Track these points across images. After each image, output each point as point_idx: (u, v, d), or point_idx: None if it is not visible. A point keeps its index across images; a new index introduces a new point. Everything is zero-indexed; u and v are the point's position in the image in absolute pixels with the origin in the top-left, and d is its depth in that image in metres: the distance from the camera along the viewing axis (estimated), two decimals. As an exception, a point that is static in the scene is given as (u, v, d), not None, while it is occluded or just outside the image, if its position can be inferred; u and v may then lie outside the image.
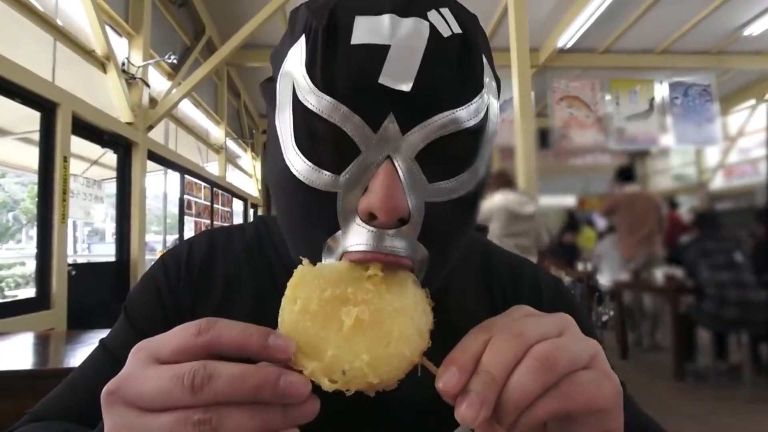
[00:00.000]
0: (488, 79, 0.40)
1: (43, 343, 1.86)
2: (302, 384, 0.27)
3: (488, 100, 0.39)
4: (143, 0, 3.80)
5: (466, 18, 0.39)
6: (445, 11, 0.37)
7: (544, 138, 5.88)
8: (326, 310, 0.31)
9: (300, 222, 0.40)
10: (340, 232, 0.37)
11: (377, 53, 0.35)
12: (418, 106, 0.35)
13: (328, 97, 0.35)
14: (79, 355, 1.71)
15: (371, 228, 0.36)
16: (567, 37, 5.74)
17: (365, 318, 0.31)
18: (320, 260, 0.39)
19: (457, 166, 0.38)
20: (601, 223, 8.53)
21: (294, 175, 0.38)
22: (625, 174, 4.85)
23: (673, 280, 4.01)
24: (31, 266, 3.03)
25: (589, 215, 8.42)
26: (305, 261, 0.35)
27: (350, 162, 0.36)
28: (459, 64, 0.37)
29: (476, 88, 0.38)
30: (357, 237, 0.36)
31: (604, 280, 5.01)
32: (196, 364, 0.27)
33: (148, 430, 0.27)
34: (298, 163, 0.38)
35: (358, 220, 0.36)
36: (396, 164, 0.35)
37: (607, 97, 5.71)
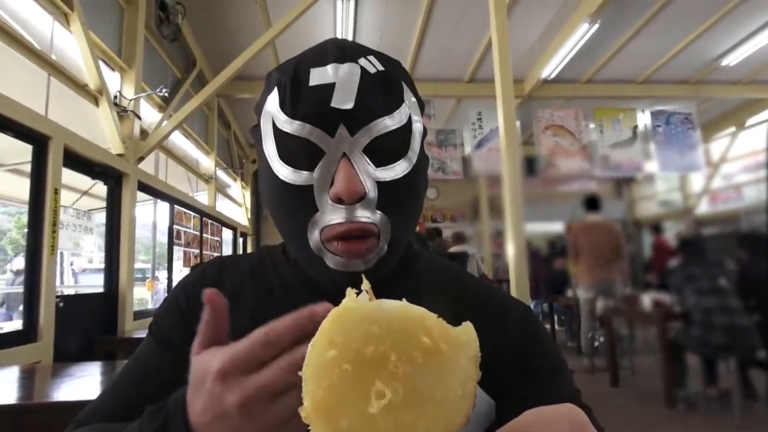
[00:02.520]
0: (409, 100, 0.55)
1: (28, 377, 1.84)
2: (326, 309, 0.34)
3: (409, 111, 0.54)
4: (136, 35, 3.89)
5: (387, 61, 0.55)
6: (371, 57, 0.53)
7: (530, 166, 5.98)
8: (360, 371, 0.28)
9: (289, 212, 0.53)
10: (318, 213, 0.50)
11: (327, 88, 0.50)
12: (359, 117, 0.50)
13: (297, 121, 0.50)
14: (64, 388, 1.70)
15: (341, 206, 0.49)
16: (550, 68, 5.93)
17: (396, 401, 0.27)
18: (306, 237, 0.51)
19: (394, 156, 0.53)
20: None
21: (281, 180, 0.52)
22: (591, 203, 5.05)
23: (661, 305, 4.05)
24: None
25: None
26: (352, 291, 0.30)
27: (318, 162, 0.50)
28: (383, 88, 0.52)
29: (398, 102, 0.53)
30: (332, 215, 0.50)
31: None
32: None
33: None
34: (282, 171, 0.52)
35: (330, 202, 0.50)
36: (350, 158, 0.50)
37: (591, 126, 5.85)
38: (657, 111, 6.14)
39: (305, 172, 0.51)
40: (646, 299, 4.27)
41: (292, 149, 0.51)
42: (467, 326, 0.31)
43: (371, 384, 0.27)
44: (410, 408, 0.27)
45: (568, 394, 0.56)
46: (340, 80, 0.50)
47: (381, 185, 0.51)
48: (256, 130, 0.57)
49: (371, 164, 0.51)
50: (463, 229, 9.59)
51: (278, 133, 0.52)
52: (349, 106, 0.49)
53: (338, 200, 0.49)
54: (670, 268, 4.09)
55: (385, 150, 0.52)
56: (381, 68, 0.53)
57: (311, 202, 0.50)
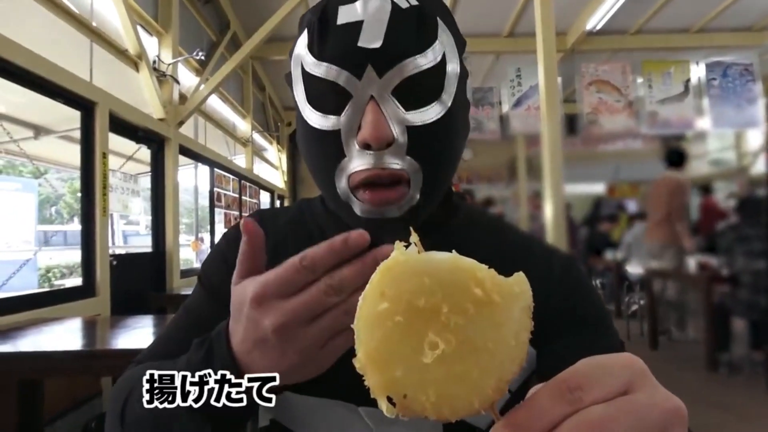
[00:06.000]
0: (445, 38, 0.51)
1: (90, 328, 2.00)
2: (361, 235, 0.36)
3: (443, 49, 0.51)
4: (171, -1, 3.91)
5: None
6: None
7: (571, 124, 5.76)
8: (412, 323, 0.28)
9: (318, 158, 0.53)
10: (346, 159, 0.50)
11: (355, 27, 0.48)
12: (388, 56, 0.47)
13: (324, 63, 0.49)
14: (122, 337, 1.86)
15: (369, 152, 0.48)
16: (596, 19, 5.57)
17: (449, 351, 0.27)
18: (334, 185, 0.51)
19: (426, 98, 0.50)
20: (632, 208, 8.32)
21: (310, 125, 0.51)
22: (669, 159, 4.72)
23: (707, 268, 3.92)
24: (74, 257, 3.21)
25: (619, 203, 8.23)
26: (401, 244, 0.29)
27: (346, 105, 0.48)
28: (416, 25, 0.49)
29: (430, 40, 0.50)
30: (359, 161, 0.49)
31: (633, 269, 4.92)
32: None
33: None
34: (311, 116, 0.51)
35: (357, 147, 0.49)
36: (378, 102, 0.48)
37: (639, 80, 5.54)
38: (713, 62, 5.72)
39: (333, 117, 0.49)
40: (692, 262, 4.14)
41: (320, 93, 0.50)
42: (520, 277, 0.30)
43: (424, 335, 0.28)
44: (463, 358, 0.27)
45: (611, 344, 0.55)
46: (368, 17, 0.47)
47: (411, 130, 0.48)
48: (289, 75, 0.56)
49: (401, 107, 0.48)
50: (500, 190, 9.46)
51: (306, 76, 0.50)
52: (377, 45, 0.47)
53: (366, 146, 0.48)
54: (720, 230, 3.93)
55: (417, 91, 0.49)
56: (415, 2, 0.49)
57: (339, 147, 0.49)
